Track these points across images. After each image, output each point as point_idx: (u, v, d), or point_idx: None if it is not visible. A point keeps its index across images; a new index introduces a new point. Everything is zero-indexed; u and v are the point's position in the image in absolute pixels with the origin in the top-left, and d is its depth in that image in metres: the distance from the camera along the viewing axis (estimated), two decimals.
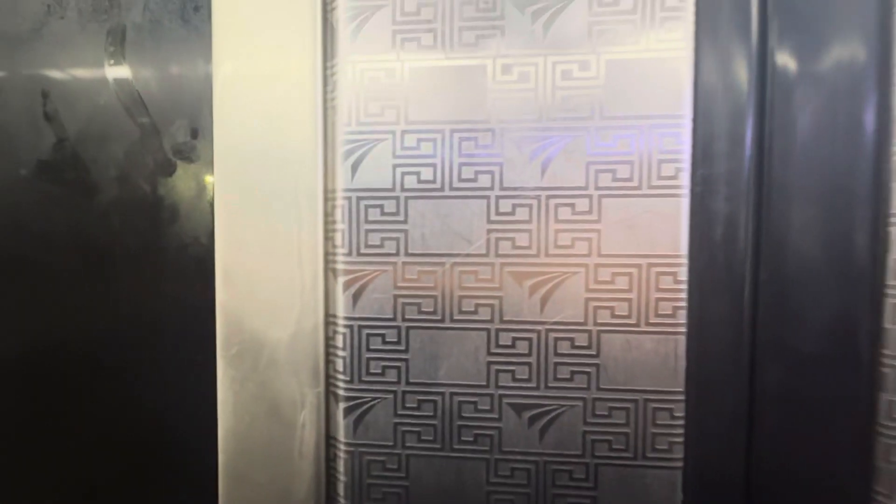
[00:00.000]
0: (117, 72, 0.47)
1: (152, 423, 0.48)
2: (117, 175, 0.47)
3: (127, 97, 0.47)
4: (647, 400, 0.40)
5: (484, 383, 0.42)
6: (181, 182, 0.47)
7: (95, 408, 0.49)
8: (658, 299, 0.40)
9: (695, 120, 0.39)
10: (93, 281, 0.48)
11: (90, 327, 0.48)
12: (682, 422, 0.40)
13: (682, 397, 0.40)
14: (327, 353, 0.43)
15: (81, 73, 0.47)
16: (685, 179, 0.39)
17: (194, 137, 0.46)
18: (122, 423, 0.48)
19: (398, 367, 0.42)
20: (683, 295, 0.39)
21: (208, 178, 0.46)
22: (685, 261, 0.39)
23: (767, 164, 0.39)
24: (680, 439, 0.40)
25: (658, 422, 0.40)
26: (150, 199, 0.47)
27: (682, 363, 0.40)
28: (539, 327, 0.41)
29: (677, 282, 0.39)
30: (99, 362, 0.49)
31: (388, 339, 0.42)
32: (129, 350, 0.48)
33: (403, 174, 0.42)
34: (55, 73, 0.48)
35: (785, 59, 0.39)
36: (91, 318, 0.48)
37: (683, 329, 0.40)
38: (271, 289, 0.43)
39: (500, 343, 0.41)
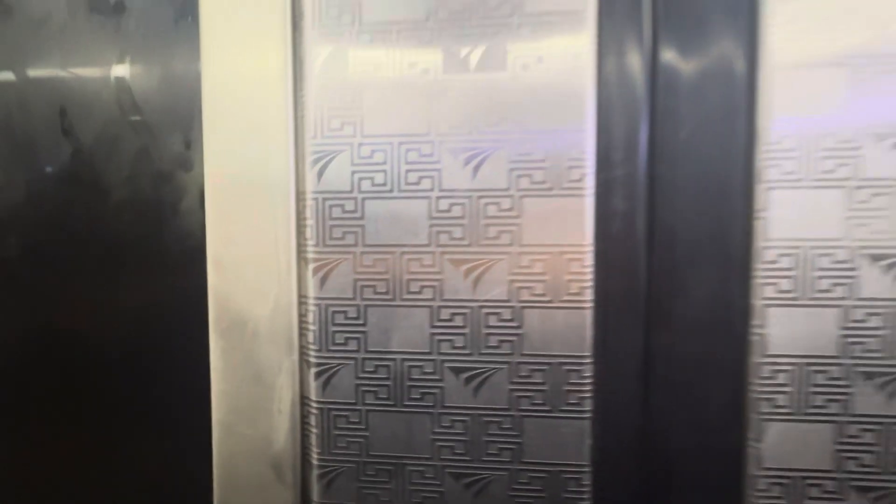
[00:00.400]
0: (122, 93, 0.55)
1: (156, 386, 0.56)
2: (124, 180, 0.56)
3: (130, 111, 0.55)
4: (560, 363, 0.48)
5: (428, 351, 0.49)
6: (178, 185, 0.55)
7: (106, 372, 0.57)
8: (568, 280, 0.47)
9: (597, 132, 0.47)
10: (106, 269, 0.56)
11: (103, 307, 0.56)
12: (590, 380, 0.47)
13: (590, 360, 0.47)
14: (300, 327, 0.51)
15: (92, 90, 0.56)
16: (589, 182, 0.46)
17: (188, 148, 0.54)
18: (129, 386, 0.57)
19: (358, 339, 0.50)
20: (590, 277, 0.47)
21: (200, 182, 0.54)
22: (591, 249, 0.47)
23: (658, 168, 0.48)
24: (588, 395, 0.47)
25: (570, 381, 0.48)
26: (152, 200, 0.55)
27: (590, 332, 0.47)
28: (472, 304, 0.49)
29: (584, 266, 0.47)
30: (111, 336, 0.57)
31: (349, 316, 0.50)
32: (136, 325, 0.56)
33: (360, 179, 0.49)
34: (70, 91, 0.56)
35: (671, 78, 0.47)
36: (104, 299, 0.56)
37: (590, 304, 0.47)
38: (254, 274, 0.51)
39: (441, 318, 0.49)
